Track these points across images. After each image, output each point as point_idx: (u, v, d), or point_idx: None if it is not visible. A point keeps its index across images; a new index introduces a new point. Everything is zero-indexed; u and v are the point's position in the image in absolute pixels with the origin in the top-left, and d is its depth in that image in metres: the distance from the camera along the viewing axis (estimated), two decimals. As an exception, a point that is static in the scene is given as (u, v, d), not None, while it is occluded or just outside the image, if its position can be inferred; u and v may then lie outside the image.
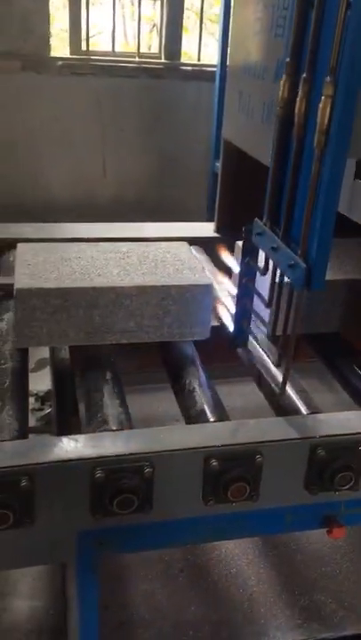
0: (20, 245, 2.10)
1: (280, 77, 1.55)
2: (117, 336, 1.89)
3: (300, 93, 1.46)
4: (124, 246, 2.12)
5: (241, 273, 1.86)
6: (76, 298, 1.81)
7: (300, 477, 1.53)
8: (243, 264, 1.84)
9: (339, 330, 2.09)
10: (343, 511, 1.63)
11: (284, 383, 1.68)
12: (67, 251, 2.06)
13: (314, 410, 1.67)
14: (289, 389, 1.72)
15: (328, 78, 1.33)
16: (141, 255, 2.05)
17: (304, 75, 1.44)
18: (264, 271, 1.75)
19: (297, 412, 1.67)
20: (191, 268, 1.95)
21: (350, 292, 2.05)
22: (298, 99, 1.46)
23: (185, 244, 2.16)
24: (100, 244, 2.16)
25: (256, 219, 1.71)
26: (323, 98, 1.35)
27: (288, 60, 1.51)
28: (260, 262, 1.77)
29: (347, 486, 1.52)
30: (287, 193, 1.56)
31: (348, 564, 2.31)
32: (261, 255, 1.76)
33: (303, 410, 1.67)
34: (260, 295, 1.82)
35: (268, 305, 1.77)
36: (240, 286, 1.86)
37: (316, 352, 2.12)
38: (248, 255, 1.81)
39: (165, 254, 2.05)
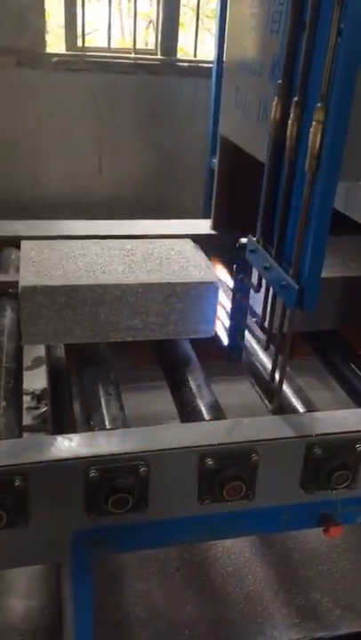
0: (24, 243, 2.09)
1: (276, 73, 1.54)
2: (122, 334, 1.89)
3: (291, 116, 1.45)
4: (128, 243, 2.12)
5: (235, 289, 1.85)
6: (82, 295, 1.81)
7: (296, 476, 1.52)
8: (236, 280, 1.84)
9: (336, 327, 2.09)
10: (340, 510, 1.62)
11: (281, 381, 1.66)
12: (71, 248, 2.05)
13: (310, 408, 1.66)
14: (285, 387, 1.71)
15: (319, 104, 1.33)
16: (146, 252, 2.04)
17: (296, 98, 1.44)
18: (258, 288, 1.75)
19: (293, 410, 1.66)
20: (196, 265, 1.94)
21: (347, 290, 2.04)
22: (290, 121, 1.46)
23: (189, 240, 2.16)
24: (104, 241, 2.15)
25: (250, 235, 1.70)
26: (314, 123, 1.34)
27: (280, 82, 1.50)
28: (254, 279, 1.77)
29: (343, 485, 1.51)
30: (280, 214, 1.56)
31: (345, 563, 2.30)
32: (255, 271, 1.76)
33: (299, 408, 1.66)
34: (253, 311, 1.82)
35: (261, 323, 1.76)
36: (234, 302, 1.86)
37: (313, 350, 2.11)
38: (242, 272, 1.81)
39: (170, 251, 2.05)
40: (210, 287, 1.85)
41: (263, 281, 1.72)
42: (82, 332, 1.85)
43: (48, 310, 1.80)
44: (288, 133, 1.47)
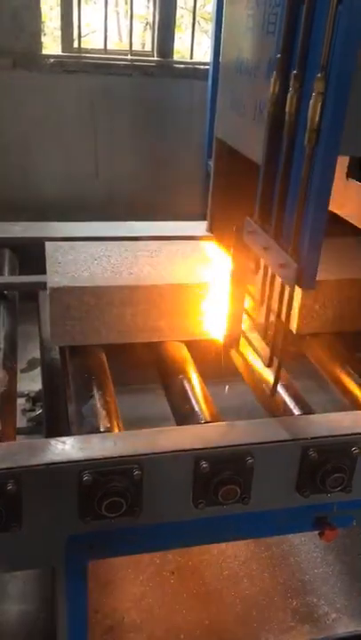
0: (48, 244, 2.11)
1: (272, 75, 1.53)
2: (149, 334, 1.90)
3: (290, 90, 1.44)
4: (152, 244, 2.15)
5: (232, 272, 1.84)
6: (110, 296, 1.83)
7: (291, 479, 1.51)
8: (234, 263, 1.83)
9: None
10: (335, 513, 1.61)
11: (276, 383, 1.66)
12: (95, 249, 2.08)
13: (306, 411, 1.65)
14: (281, 389, 1.71)
15: (319, 75, 1.31)
16: (170, 253, 2.06)
17: (295, 71, 1.42)
18: (256, 270, 1.73)
19: (289, 412, 1.65)
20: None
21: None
22: (288, 95, 1.44)
23: (212, 242, 2.17)
24: (128, 242, 2.20)
25: (248, 217, 1.69)
26: (313, 94, 1.33)
27: (279, 55, 1.49)
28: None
29: (338, 488, 1.51)
30: (278, 192, 1.54)
31: (341, 566, 2.30)
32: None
33: (295, 411, 1.66)
34: (251, 294, 1.81)
35: (259, 304, 1.75)
36: (231, 286, 1.85)
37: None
38: (239, 254, 1.79)
39: (193, 253, 2.05)
40: None
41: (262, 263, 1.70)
42: (108, 332, 1.88)
43: (76, 311, 1.83)
44: (287, 108, 1.45)
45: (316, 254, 1.44)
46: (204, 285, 1.86)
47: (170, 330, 1.91)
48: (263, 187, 1.61)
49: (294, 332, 2.07)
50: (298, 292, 1.98)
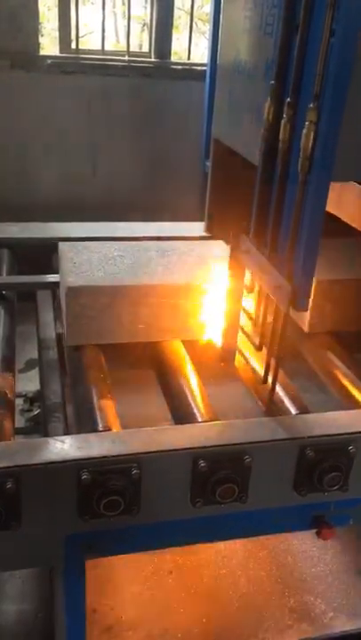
0: (61, 244, 2.13)
1: (269, 76, 1.54)
2: (163, 334, 1.92)
3: (284, 117, 1.46)
4: (165, 245, 2.17)
5: (228, 289, 1.85)
6: (126, 296, 1.85)
7: (288, 478, 1.52)
8: (230, 280, 1.84)
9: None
10: (332, 512, 1.62)
11: (274, 383, 1.66)
12: (108, 249, 2.09)
13: (303, 410, 1.66)
14: (278, 389, 1.71)
15: (311, 104, 1.33)
16: (183, 254, 2.08)
17: (288, 99, 1.44)
18: (250, 289, 1.75)
19: (286, 412, 1.66)
20: None
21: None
22: (282, 122, 1.46)
23: (222, 242, 2.18)
24: (141, 242, 2.21)
25: (243, 235, 1.70)
26: (307, 123, 1.35)
27: (273, 83, 1.50)
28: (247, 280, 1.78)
29: (336, 487, 1.52)
30: (273, 214, 1.57)
31: (338, 565, 2.30)
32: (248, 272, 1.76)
33: (292, 410, 1.66)
34: (246, 311, 1.82)
35: (254, 322, 1.77)
36: (227, 302, 1.86)
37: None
38: (235, 271, 1.81)
39: (207, 253, 2.07)
40: None
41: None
42: (123, 332, 1.90)
43: (91, 310, 1.84)
44: (281, 135, 1.47)
45: (309, 277, 1.47)
46: (218, 286, 1.88)
47: (184, 329, 1.93)
48: (258, 209, 1.64)
49: (306, 330, 2.10)
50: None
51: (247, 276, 1.78)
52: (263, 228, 1.62)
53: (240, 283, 1.80)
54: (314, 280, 2.00)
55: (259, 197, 1.62)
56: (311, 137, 1.35)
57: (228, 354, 1.90)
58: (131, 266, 1.99)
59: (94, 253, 2.06)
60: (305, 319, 2.10)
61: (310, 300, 2.01)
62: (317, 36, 1.32)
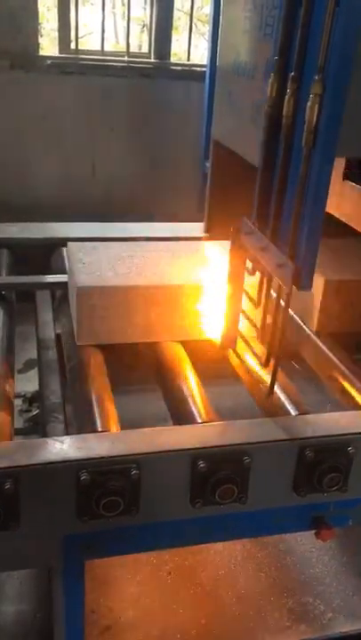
0: (70, 244, 2.14)
1: (269, 77, 1.54)
2: (173, 334, 1.93)
3: (288, 92, 1.45)
4: (174, 245, 2.18)
5: (229, 273, 1.84)
6: (136, 296, 1.86)
7: (288, 479, 1.52)
8: (231, 264, 1.83)
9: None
10: (332, 512, 1.62)
11: (273, 384, 1.66)
12: (117, 250, 2.11)
13: (302, 411, 1.66)
14: (278, 390, 1.71)
15: (316, 77, 1.32)
16: (192, 254, 2.09)
17: (292, 73, 1.43)
18: (253, 271, 1.74)
19: (286, 412, 1.66)
20: None
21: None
22: (286, 97, 1.45)
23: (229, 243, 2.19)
24: (149, 243, 2.22)
25: (244, 218, 1.70)
26: (311, 96, 1.34)
27: (276, 57, 1.49)
28: (249, 262, 1.76)
29: (335, 487, 1.51)
30: (275, 193, 1.55)
31: (337, 566, 2.30)
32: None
33: (292, 411, 1.66)
34: (248, 295, 1.81)
35: (256, 305, 1.76)
36: (228, 287, 1.85)
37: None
38: (236, 254, 1.80)
39: (216, 253, 2.07)
40: None
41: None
42: (134, 332, 1.92)
43: (102, 310, 1.85)
44: (285, 110, 1.46)
45: (313, 255, 1.45)
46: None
47: (195, 329, 1.94)
48: (260, 188, 1.62)
49: (314, 330, 2.10)
50: (319, 292, 2.05)
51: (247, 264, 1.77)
52: (266, 207, 1.60)
53: (242, 264, 1.79)
54: (323, 280, 2.04)
55: (261, 177, 1.61)
56: (316, 110, 1.33)
57: (229, 337, 1.89)
58: (140, 266, 2.00)
59: (103, 253, 2.07)
60: (314, 319, 2.10)
61: (319, 299, 2.04)
62: (322, 7, 1.31)
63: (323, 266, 2.08)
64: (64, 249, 2.55)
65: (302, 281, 1.46)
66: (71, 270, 1.98)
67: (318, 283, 2.06)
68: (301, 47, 1.41)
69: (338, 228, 2.15)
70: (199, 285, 1.91)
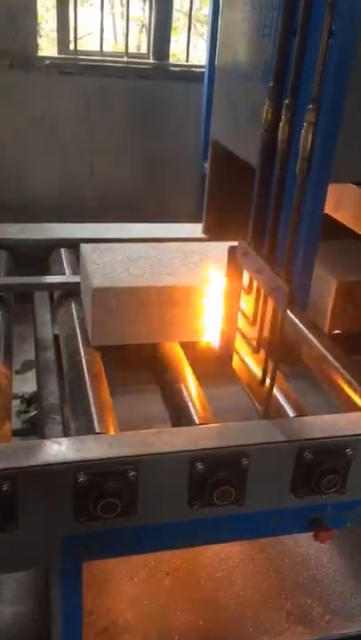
0: (83, 246, 2.15)
1: (267, 78, 1.54)
2: (188, 334, 1.94)
3: (283, 119, 1.46)
4: (186, 246, 2.19)
5: (225, 292, 1.85)
6: (150, 297, 1.87)
7: (286, 481, 1.52)
8: (228, 282, 1.84)
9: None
10: (330, 514, 1.62)
11: (271, 385, 1.66)
12: (130, 251, 2.12)
13: (301, 412, 1.66)
14: (276, 391, 1.71)
15: (310, 105, 1.33)
16: (205, 255, 2.10)
17: (287, 100, 1.44)
18: (248, 291, 1.75)
19: (284, 414, 1.66)
20: None
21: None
22: (281, 124, 1.46)
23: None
24: (162, 244, 2.22)
25: (241, 240, 1.70)
26: (305, 124, 1.35)
27: (271, 84, 1.50)
28: (245, 281, 1.77)
29: (333, 489, 1.51)
30: (271, 215, 1.56)
31: (335, 568, 2.30)
32: (246, 273, 1.76)
33: (290, 412, 1.66)
34: (244, 314, 1.82)
35: (252, 324, 1.76)
36: (225, 304, 1.86)
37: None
38: (233, 274, 1.81)
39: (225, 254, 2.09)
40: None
41: (254, 283, 1.72)
42: (148, 332, 1.93)
43: (117, 311, 1.86)
44: (279, 136, 1.47)
45: (308, 278, 1.46)
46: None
47: (208, 330, 1.95)
48: (256, 211, 1.63)
49: (326, 331, 2.11)
50: (331, 293, 2.07)
51: (245, 277, 1.78)
52: (261, 229, 1.62)
53: (238, 283, 1.79)
54: (335, 282, 2.05)
55: (257, 199, 1.62)
56: (310, 138, 1.35)
57: (225, 355, 1.89)
58: (154, 267, 2.01)
59: (117, 254, 2.08)
60: (326, 320, 2.11)
61: (331, 300, 2.05)
62: (316, 37, 1.32)
63: (334, 267, 2.11)
64: (62, 250, 2.55)
65: (298, 304, 1.47)
66: (85, 271, 1.98)
67: (330, 284, 2.08)
68: (296, 75, 1.42)
69: (345, 229, 2.16)
70: (213, 286, 1.92)
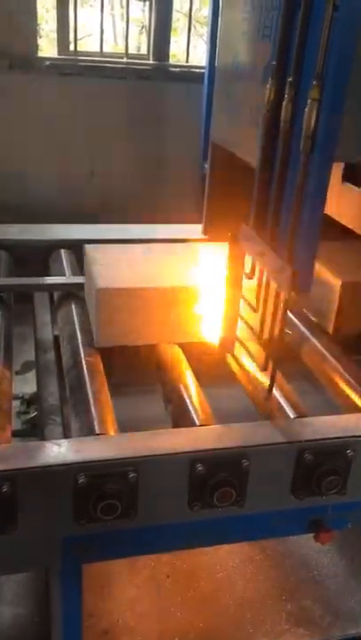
0: (87, 247, 2.15)
1: (267, 79, 1.54)
2: (193, 335, 1.94)
3: (286, 97, 1.44)
4: (191, 246, 2.21)
5: (227, 277, 1.84)
6: (156, 297, 1.88)
7: (286, 482, 1.51)
8: (229, 268, 1.83)
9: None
10: (330, 515, 1.61)
11: (271, 386, 1.66)
12: (135, 251, 2.13)
13: (301, 413, 1.66)
14: (276, 392, 1.71)
15: (314, 82, 1.32)
16: (211, 256, 2.09)
17: (290, 78, 1.43)
18: (250, 275, 1.74)
19: (284, 415, 1.65)
20: None
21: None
22: (284, 102, 1.45)
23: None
24: (167, 245, 2.24)
25: (243, 224, 1.69)
26: (309, 101, 1.33)
27: (274, 62, 1.49)
28: (247, 266, 1.76)
29: (334, 490, 1.51)
30: (273, 197, 1.55)
31: (336, 569, 2.30)
32: (248, 259, 1.75)
33: (290, 413, 1.66)
34: (246, 300, 1.81)
35: (254, 310, 1.75)
36: (226, 291, 1.85)
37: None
38: (234, 259, 1.80)
39: None
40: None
41: (257, 268, 1.71)
42: (153, 333, 1.93)
43: (122, 312, 1.87)
44: (282, 115, 1.45)
45: (311, 259, 1.45)
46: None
47: (212, 330, 1.94)
48: (258, 193, 1.62)
49: (331, 332, 2.11)
50: (336, 294, 2.07)
51: (247, 263, 1.77)
52: (264, 212, 1.61)
53: (240, 268, 1.78)
54: (339, 282, 2.05)
55: (259, 181, 1.61)
56: (314, 115, 1.33)
57: (226, 346, 1.89)
58: (159, 267, 2.02)
59: (122, 255, 2.08)
60: (330, 320, 2.11)
61: (335, 301, 2.05)
62: (320, 12, 1.30)
63: (338, 267, 2.10)
64: (62, 251, 2.55)
65: (301, 285, 1.46)
66: (90, 272, 1.98)
67: (335, 285, 2.08)
68: (299, 52, 1.41)
69: (347, 230, 2.16)
70: (218, 287, 1.92)
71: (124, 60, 4.41)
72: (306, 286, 1.47)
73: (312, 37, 1.37)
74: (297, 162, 1.41)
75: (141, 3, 4.55)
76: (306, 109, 1.34)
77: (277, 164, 1.51)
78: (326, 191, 1.41)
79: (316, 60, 1.32)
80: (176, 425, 1.68)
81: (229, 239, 1.74)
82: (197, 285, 1.93)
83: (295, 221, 1.44)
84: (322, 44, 1.30)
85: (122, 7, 5.42)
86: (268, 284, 1.66)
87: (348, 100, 1.33)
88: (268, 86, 1.51)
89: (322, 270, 2.10)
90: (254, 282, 1.74)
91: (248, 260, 1.74)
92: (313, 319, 2.21)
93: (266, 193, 1.59)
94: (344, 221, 2.16)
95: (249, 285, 1.77)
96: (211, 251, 2.17)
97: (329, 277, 2.10)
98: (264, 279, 1.68)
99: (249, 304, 1.78)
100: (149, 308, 1.90)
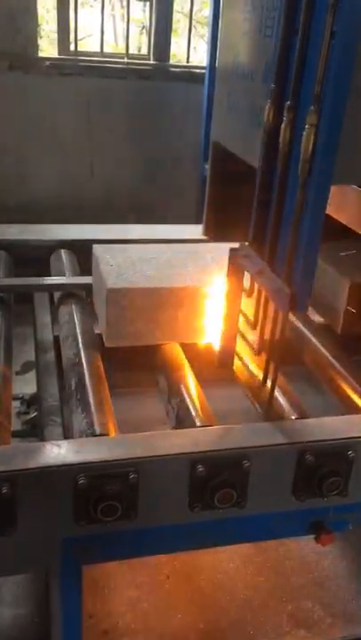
0: (95, 247, 2.15)
1: (268, 78, 1.53)
2: (200, 336, 1.95)
3: (284, 120, 1.45)
4: (198, 247, 2.21)
5: (226, 294, 1.85)
6: (164, 298, 1.88)
7: (287, 483, 1.51)
8: (228, 285, 1.83)
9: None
10: (331, 517, 1.61)
11: (273, 387, 1.65)
12: (142, 251, 2.12)
13: (302, 414, 1.65)
14: (277, 393, 1.70)
15: (312, 107, 1.32)
16: (216, 255, 2.09)
17: (288, 102, 1.43)
18: (249, 293, 1.74)
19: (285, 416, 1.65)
20: None
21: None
22: (282, 126, 1.45)
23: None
24: (173, 244, 2.23)
25: (242, 243, 1.70)
26: (307, 126, 1.34)
27: (273, 86, 1.50)
28: (246, 283, 1.76)
29: (335, 492, 1.50)
30: (272, 218, 1.56)
31: (337, 571, 2.29)
32: (247, 276, 1.75)
33: (291, 415, 1.65)
34: (245, 316, 1.82)
35: (253, 327, 1.76)
36: (226, 307, 1.85)
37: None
38: (234, 276, 1.80)
39: None
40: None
41: (255, 286, 1.72)
42: (161, 333, 1.93)
43: (131, 312, 1.86)
44: (281, 138, 1.47)
45: (309, 280, 1.46)
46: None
47: (219, 331, 1.94)
48: (257, 213, 1.62)
49: (339, 332, 2.11)
50: (344, 294, 2.07)
51: (246, 280, 1.77)
52: (262, 231, 1.62)
53: (239, 285, 1.79)
54: (348, 283, 2.05)
55: (258, 201, 1.61)
56: (311, 140, 1.34)
57: (226, 357, 1.89)
58: (168, 268, 2.01)
59: (130, 255, 2.08)
60: (338, 321, 2.11)
61: (344, 301, 2.05)
62: (318, 39, 1.31)
63: (346, 268, 2.11)
64: (62, 251, 2.55)
65: (298, 305, 1.46)
66: (99, 272, 1.98)
67: (343, 285, 2.08)
68: (297, 76, 1.41)
69: (349, 231, 2.15)
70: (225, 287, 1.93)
71: (125, 60, 4.41)
72: (303, 306, 1.48)
73: (310, 63, 1.37)
74: (296, 184, 1.42)
75: (142, 3, 4.55)
76: (304, 134, 1.35)
77: (276, 185, 1.52)
78: (324, 214, 1.43)
79: (314, 85, 1.33)
80: (177, 426, 1.67)
81: (229, 257, 1.74)
82: (207, 286, 1.93)
83: (293, 242, 1.45)
84: (319, 70, 1.31)
85: (122, 7, 5.41)
86: (266, 301, 1.66)
87: (346, 125, 1.33)
88: (266, 108, 1.52)
89: (330, 270, 2.11)
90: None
91: (247, 277, 1.75)
92: (320, 319, 2.21)
93: (265, 213, 1.60)
94: (346, 223, 2.15)
95: (248, 301, 1.78)
96: (220, 251, 2.16)
97: (337, 277, 2.10)
98: (262, 299, 1.68)
99: (248, 320, 1.79)
100: (159, 308, 1.90)
